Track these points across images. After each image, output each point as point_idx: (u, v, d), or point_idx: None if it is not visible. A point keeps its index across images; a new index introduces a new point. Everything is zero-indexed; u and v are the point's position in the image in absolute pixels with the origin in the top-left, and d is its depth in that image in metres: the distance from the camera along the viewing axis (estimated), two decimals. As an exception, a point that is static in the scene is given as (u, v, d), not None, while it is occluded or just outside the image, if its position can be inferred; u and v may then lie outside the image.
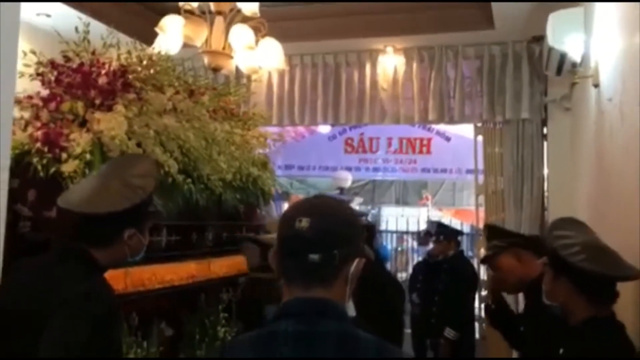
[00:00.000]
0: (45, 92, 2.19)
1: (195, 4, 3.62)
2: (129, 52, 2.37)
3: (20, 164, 1.98)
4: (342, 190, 8.51)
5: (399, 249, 8.82)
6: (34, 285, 1.63)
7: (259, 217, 3.39)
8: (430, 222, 6.26)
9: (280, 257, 1.25)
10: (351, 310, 1.31)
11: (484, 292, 5.01)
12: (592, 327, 1.82)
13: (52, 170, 1.97)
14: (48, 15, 2.22)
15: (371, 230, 4.02)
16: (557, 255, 1.87)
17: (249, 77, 4.95)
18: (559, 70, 4.01)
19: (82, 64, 2.20)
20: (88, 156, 2.01)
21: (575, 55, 3.60)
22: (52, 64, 2.19)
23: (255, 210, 3.30)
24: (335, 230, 1.24)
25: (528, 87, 4.68)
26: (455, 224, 8.20)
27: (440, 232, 5.30)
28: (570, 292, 1.85)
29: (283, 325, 1.22)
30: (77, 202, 1.72)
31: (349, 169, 8.57)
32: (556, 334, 2.36)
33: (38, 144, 1.97)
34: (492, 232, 2.79)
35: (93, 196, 1.73)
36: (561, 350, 1.94)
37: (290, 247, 1.23)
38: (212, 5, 3.63)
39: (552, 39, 3.66)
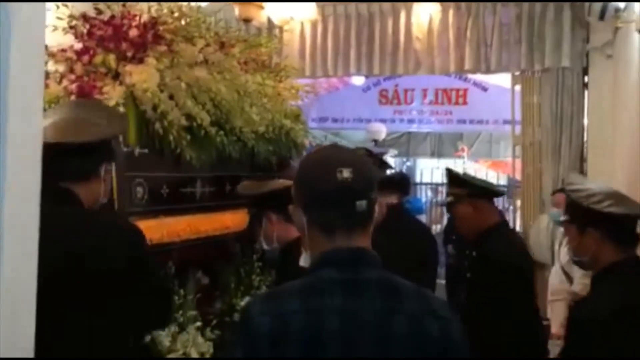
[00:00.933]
0: (78, 46, 2.21)
1: (225, -45, 3.57)
2: (159, 4, 2.36)
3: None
4: (376, 142, 8.46)
5: (434, 201, 8.78)
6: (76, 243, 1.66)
7: (292, 169, 3.41)
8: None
9: (321, 210, 1.28)
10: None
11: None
12: (621, 269, 1.83)
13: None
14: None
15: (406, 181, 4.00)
16: (580, 208, 1.86)
17: (280, 28, 4.91)
18: (602, 16, 3.87)
19: (113, 17, 2.20)
20: (122, 109, 2.05)
21: (619, -1, 3.45)
22: (84, 17, 2.20)
23: (288, 162, 3.32)
24: (371, 177, 1.31)
25: (569, 33, 4.51)
26: (492, 175, 8.12)
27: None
28: (600, 241, 1.85)
29: (328, 272, 1.26)
30: (55, 136, 1.66)
31: (383, 121, 8.49)
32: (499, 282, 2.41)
33: (73, 97, 2.00)
34: (453, 179, 2.79)
35: (69, 129, 1.71)
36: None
37: (336, 197, 1.26)
38: (243, -45, 3.58)
39: (594, -17, 3.51)
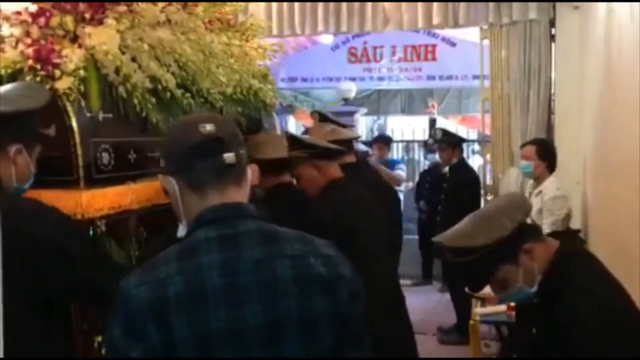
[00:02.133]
0: (33, 8, 2.12)
1: None
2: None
3: (14, 83, 1.95)
4: (346, 100, 8.42)
5: (405, 158, 8.83)
6: None
7: (262, 129, 3.37)
8: (434, 129, 6.23)
9: (189, 167, 1.25)
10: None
11: (489, 197, 5.06)
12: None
13: (47, 87, 1.92)
14: None
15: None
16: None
17: (246, -14, 4.80)
18: (569, -34, 3.85)
19: (68, -24, 2.12)
20: (82, 72, 1.96)
21: (585, -51, 3.44)
22: (38, -23, 2.11)
23: (258, 123, 3.28)
24: (236, 132, 1.31)
25: (536, -15, 4.50)
26: (462, 131, 8.17)
27: (443, 139, 5.27)
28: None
29: (203, 232, 1.23)
30: None
31: (353, 79, 8.43)
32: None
33: (30, 61, 1.92)
34: (295, 142, 2.84)
35: None
36: None
37: (202, 149, 1.24)
38: None
39: None
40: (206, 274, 1.18)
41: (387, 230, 2.90)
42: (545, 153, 4.01)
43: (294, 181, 2.95)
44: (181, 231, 1.33)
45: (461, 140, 5.53)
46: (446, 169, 5.46)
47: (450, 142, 5.23)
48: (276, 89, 3.47)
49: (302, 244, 1.27)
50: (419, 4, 4.80)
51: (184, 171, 1.27)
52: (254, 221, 1.26)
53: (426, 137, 7.93)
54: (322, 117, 3.74)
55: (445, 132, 5.49)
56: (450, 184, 5.22)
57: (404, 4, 4.85)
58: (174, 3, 2.44)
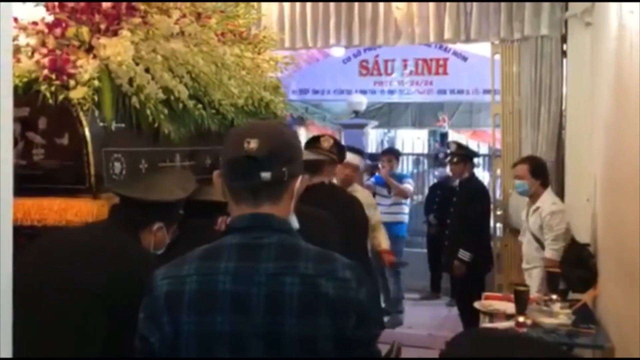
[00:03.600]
0: (50, 18, 2.16)
1: None
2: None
3: (29, 92, 1.98)
4: (357, 113, 8.44)
5: (415, 171, 8.82)
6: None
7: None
8: (449, 142, 6.23)
9: (229, 178, 1.31)
10: (294, 222, 1.38)
11: (499, 212, 5.04)
12: None
13: (61, 97, 1.96)
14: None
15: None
16: None
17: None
18: (581, -17, 3.85)
19: (84, -13, 2.15)
20: (96, 82, 2.00)
21: (597, -34, 3.44)
22: (55, -12, 2.14)
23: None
24: (282, 149, 1.30)
25: (548, 2, 4.51)
26: (472, 145, 8.16)
27: (457, 153, 5.26)
28: None
29: (229, 239, 1.30)
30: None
31: (364, 92, 8.46)
32: None
33: (45, 71, 1.95)
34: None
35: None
36: None
37: (241, 167, 1.28)
38: None
39: (574, -51, 3.49)
40: (220, 279, 1.25)
41: None
42: (537, 170, 4.07)
43: None
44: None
45: (474, 154, 5.52)
46: (456, 182, 5.46)
47: (463, 156, 5.23)
48: (287, 101, 3.49)
49: (319, 263, 1.28)
50: (431, 18, 4.82)
51: (227, 180, 1.32)
52: (279, 234, 1.30)
53: (432, 150, 7.92)
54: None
55: (460, 146, 5.50)
56: (460, 198, 5.21)
57: (415, 18, 4.86)
58: (187, 15, 2.47)
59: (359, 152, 4.78)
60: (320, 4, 5.05)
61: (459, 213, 5.13)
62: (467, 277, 4.94)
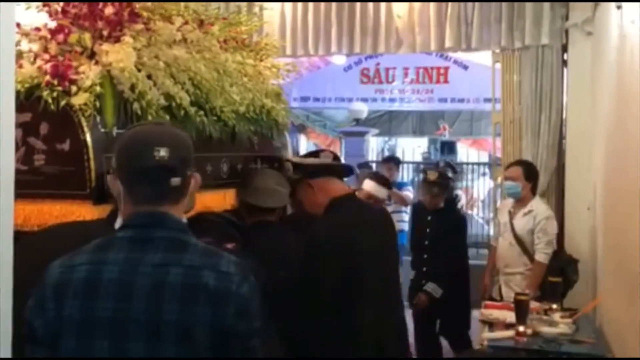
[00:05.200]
0: (52, 24, 2.16)
1: None
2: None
3: (30, 98, 1.98)
4: (358, 121, 8.46)
5: (416, 179, 8.82)
6: None
7: (273, 148, 3.39)
8: (436, 165, 5.97)
9: (136, 183, 1.38)
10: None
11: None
12: None
13: (63, 103, 1.96)
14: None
15: None
16: None
17: (260, 6, 4.85)
18: (581, -8, 3.87)
19: (88, -6, 2.16)
20: (98, 88, 2.00)
21: (598, -24, 3.46)
22: (58, -6, 2.15)
23: (269, 142, 3.30)
24: (187, 154, 1.41)
25: (549, 10, 4.53)
26: (472, 153, 8.17)
27: (438, 183, 4.71)
28: None
29: (122, 233, 1.38)
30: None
31: (365, 100, 8.49)
32: None
33: (47, 77, 1.95)
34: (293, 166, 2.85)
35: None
36: None
37: (151, 174, 1.35)
38: None
39: (574, -41, 3.51)
40: (108, 268, 1.32)
41: (384, 251, 2.69)
42: (530, 174, 4.10)
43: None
44: (117, 224, 1.50)
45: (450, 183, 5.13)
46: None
47: (444, 186, 4.80)
48: (288, 108, 3.49)
49: (205, 257, 1.35)
50: (432, 26, 4.83)
51: (132, 185, 1.39)
52: (171, 231, 1.37)
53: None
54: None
55: (441, 175, 4.92)
56: (436, 231, 4.68)
57: (416, 26, 4.88)
58: (190, 22, 2.47)
59: (385, 183, 4.38)
60: (322, 11, 5.07)
61: (434, 246, 4.64)
62: (427, 309, 4.58)
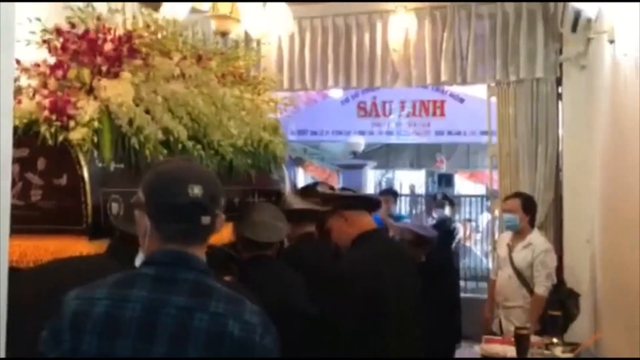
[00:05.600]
0: (52, 60, 2.18)
1: (202, -32, 3.56)
2: (134, 17, 2.34)
3: (28, 133, 1.98)
4: (355, 154, 8.48)
5: (413, 212, 8.82)
6: None
7: (271, 181, 3.39)
8: (436, 199, 6.01)
9: (165, 220, 1.35)
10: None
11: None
12: None
13: (61, 138, 1.96)
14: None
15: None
16: None
17: (258, 41, 4.90)
18: (574, 27, 3.93)
19: (87, 31, 2.17)
20: (96, 124, 2.01)
21: (590, 11, 3.52)
22: (58, 31, 2.17)
23: (267, 175, 3.30)
24: (218, 193, 1.41)
25: (542, 45, 4.59)
26: (469, 186, 8.18)
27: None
28: None
29: (145, 269, 1.35)
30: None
31: (362, 133, 8.53)
32: None
33: (46, 112, 1.96)
34: (309, 193, 2.88)
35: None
36: None
37: (183, 212, 1.34)
38: (219, -31, 3.57)
39: (566, -5, 3.57)
40: (130, 306, 1.29)
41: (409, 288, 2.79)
42: (528, 206, 4.10)
43: (316, 232, 2.97)
44: (138, 260, 1.47)
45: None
46: (454, 225, 5.35)
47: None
48: (286, 142, 3.51)
49: (230, 304, 1.33)
50: (428, 61, 4.89)
51: (163, 221, 1.36)
52: (196, 273, 1.34)
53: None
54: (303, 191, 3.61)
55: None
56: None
57: (412, 60, 4.93)
58: (188, 57, 2.50)
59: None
60: (319, 46, 5.13)
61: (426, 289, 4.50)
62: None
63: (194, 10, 3.54)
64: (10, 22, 1.23)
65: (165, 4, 3.26)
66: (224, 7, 3.53)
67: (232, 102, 2.78)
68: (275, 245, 2.86)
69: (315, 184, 3.51)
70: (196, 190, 1.33)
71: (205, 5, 3.54)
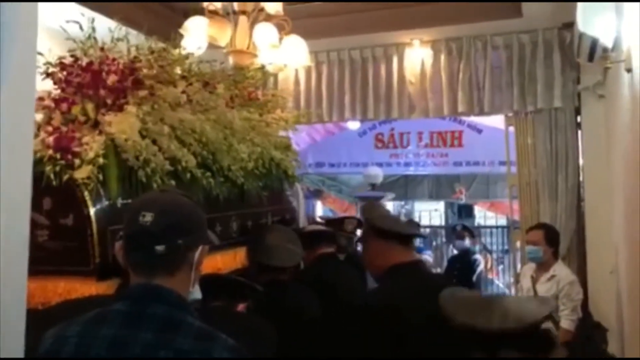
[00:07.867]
0: (56, 92, 2.16)
1: (218, 4, 3.61)
2: (137, 47, 2.31)
3: (33, 172, 1.96)
4: (373, 186, 8.44)
5: (433, 243, 8.70)
6: None
7: (283, 200, 3.35)
8: (456, 230, 6.03)
9: (127, 250, 1.36)
10: (197, 293, 1.50)
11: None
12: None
13: (66, 177, 1.93)
14: (76, 22, 2.20)
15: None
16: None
17: (275, 76, 4.94)
18: (591, 57, 3.87)
19: (91, 63, 2.16)
20: (101, 160, 1.97)
21: (606, 40, 3.47)
22: (62, 64, 2.15)
23: (279, 194, 3.26)
24: (178, 221, 1.35)
25: (560, 75, 4.54)
26: (490, 217, 8.07)
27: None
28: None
29: (118, 305, 1.33)
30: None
31: (380, 164, 8.49)
32: None
33: (50, 151, 1.93)
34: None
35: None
36: None
37: (136, 240, 1.33)
38: (235, 4, 3.62)
39: (582, 25, 3.53)
40: (97, 344, 1.27)
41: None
42: (552, 238, 4.01)
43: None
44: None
45: None
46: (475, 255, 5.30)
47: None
48: (303, 174, 3.48)
49: (198, 340, 1.28)
50: (444, 92, 4.86)
51: (126, 252, 1.38)
52: (166, 307, 1.31)
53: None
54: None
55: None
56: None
57: (429, 92, 4.92)
58: (194, 83, 2.47)
59: None
60: (335, 79, 5.15)
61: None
62: None
63: (211, 46, 3.58)
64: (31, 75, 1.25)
65: (183, 41, 3.29)
66: (241, 43, 3.57)
67: (241, 125, 2.73)
68: (290, 270, 2.81)
69: (342, 218, 3.50)
70: (147, 218, 1.30)
71: (223, 41, 3.58)
